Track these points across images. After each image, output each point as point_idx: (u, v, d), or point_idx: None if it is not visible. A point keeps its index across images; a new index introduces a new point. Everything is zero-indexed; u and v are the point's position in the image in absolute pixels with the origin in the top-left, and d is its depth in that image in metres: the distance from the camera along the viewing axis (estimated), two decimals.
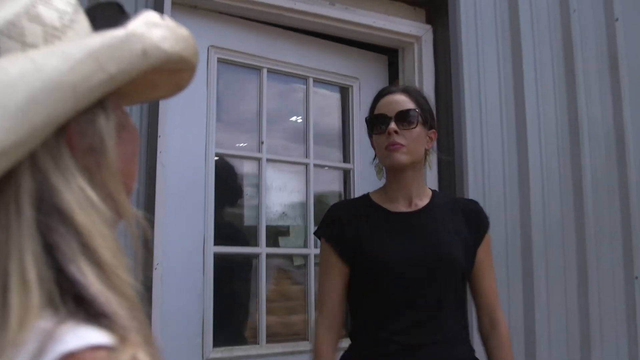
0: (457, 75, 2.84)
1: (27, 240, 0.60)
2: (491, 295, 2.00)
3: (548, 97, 3.11)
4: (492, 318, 1.98)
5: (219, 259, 2.53)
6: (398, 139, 1.89)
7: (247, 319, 2.75)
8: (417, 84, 2.88)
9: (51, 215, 0.62)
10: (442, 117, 2.83)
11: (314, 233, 2.14)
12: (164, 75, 0.78)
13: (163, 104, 2.27)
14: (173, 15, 2.40)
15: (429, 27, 2.95)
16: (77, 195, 0.64)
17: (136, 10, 2.08)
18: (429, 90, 2.87)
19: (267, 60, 2.70)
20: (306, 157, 2.88)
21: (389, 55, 3.09)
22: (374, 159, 2.07)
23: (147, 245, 1.85)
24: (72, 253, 0.61)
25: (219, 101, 2.60)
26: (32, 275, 0.58)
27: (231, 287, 2.70)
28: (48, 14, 0.68)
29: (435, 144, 2.07)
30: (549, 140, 3.07)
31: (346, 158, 3.01)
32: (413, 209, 1.97)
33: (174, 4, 2.44)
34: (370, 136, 2.04)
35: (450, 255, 1.90)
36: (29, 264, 0.59)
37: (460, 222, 1.98)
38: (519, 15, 3.09)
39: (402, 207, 1.97)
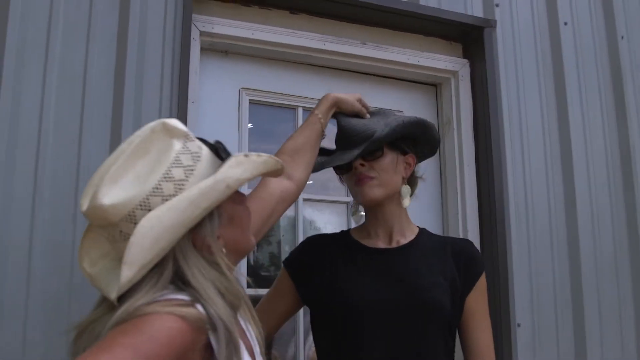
0: (495, 109, 2.76)
1: (159, 286, 1.14)
2: (484, 351, 1.77)
3: (596, 128, 2.99)
4: None
5: (254, 302, 2.50)
6: (367, 172, 1.75)
7: None
8: (454, 121, 2.82)
9: (180, 280, 1.16)
10: (481, 154, 2.76)
11: (282, 262, 1.98)
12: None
13: None
14: (203, 62, 2.46)
15: (465, 61, 2.89)
16: (194, 271, 1.16)
17: (164, 57, 2.15)
18: (467, 127, 2.81)
19: (301, 99, 2.69)
20: (347, 195, 2.83)
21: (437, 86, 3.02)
22: (353, 201, 1.95)
23: None
24: (189, 292, 1.16)
25: (252, 142, 2.61)
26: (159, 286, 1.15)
27: None
28: (177, 173, 1.17)
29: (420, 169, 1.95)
30: (598, 173, 2.94)
31: None
32: (394, 245, 1.79)
33: (203, 50, 2.49)
34: (340, 178, 1.93)
35: (433, 299, 1.68)
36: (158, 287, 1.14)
37: (448, 263, 1.77)
38: (562, 43, 3.00)
39: (381, 244, 1.81)
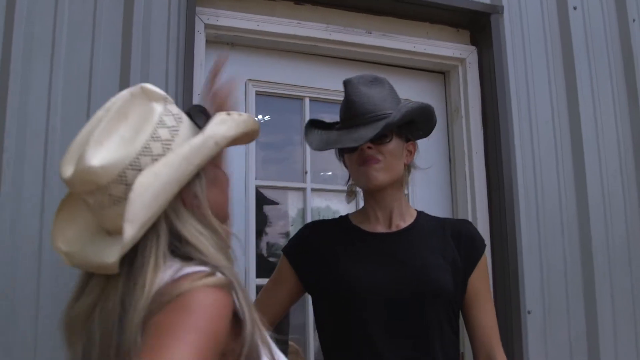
0: (503, 96, 2.74)
1: (162, 247, 1.14)
2: (488, 331, 1.76)
3: (607, 114, 2.95)
4: (490, 358, 1.75)
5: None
6: (375, 155, 1.72)
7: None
8: (463, 108, 2.81)
9: (176, 239, 1.16)
10: (489, 141, 2.75)
11: (282, 250, 1.96)
12: (243, 136, 1.29)
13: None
14: (209, 54, 2.47)
15: (473, 48, 2.87)
16: (189, 228, 1.17)
17: (168, 51, 2.17)
18: (475, 114, 2.79)
19: (308, 90, 2.70)
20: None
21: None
22: (348, 179, 1.92)
23: None
24: (187, 249, 1.15)
25: (260, 133, 2.61)
26: (162, 251, 1.14)
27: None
28: (163, 133, 1.18)
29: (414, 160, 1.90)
30: (609, 159, 2.90)
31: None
32: (394, 229, 1.78)
33: (209, 42, 2.50)
34: (340, 155, 1.88)
35: (436, 280, 1.68)
36: (161, 249, 1.13)
37: (448, 244, 1.77)
38: (571, 28, 2.96)
39: (381, 228, 1.79)
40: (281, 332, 2.84)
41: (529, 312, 2.61)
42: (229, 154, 2.42)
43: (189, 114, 1.27)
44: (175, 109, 1.24)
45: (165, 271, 1.11)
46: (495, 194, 2.71)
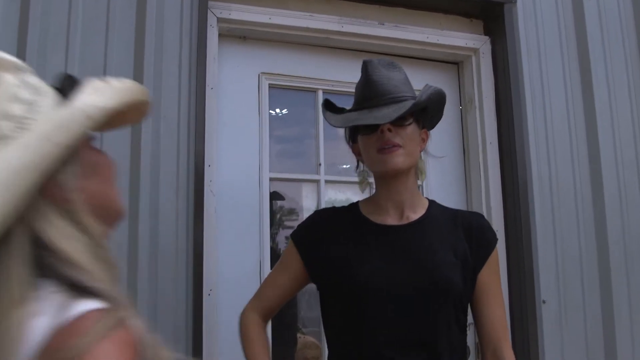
0: (517, 86, 2.73)
1: (22, 264, 0.87)
2: (496, 327, 1.72)
3: (623, 105, 2.93)
4: (497, 354, 1.70)
5: None
6: (393, 138, 1.67)
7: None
8: (476, 99, 2.80)
9: (40, 246, 0.89)
10: (503, 132, 2.75)
11: (290, 235, 1.91)
12: (129, 110, 1.06)
13: (211, 134, 2.33)
14: (222, 48, 2.49)
15: (486, 38, 2.86)
16: (55, 230, 0.91)
17: (181, 45, 2.18)
18: (489, 104, 2.78)
19: (321, 82, 2.71)
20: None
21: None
22: (357, 167, 1.89)
23: (196, 272, 1.87)
24: (58, 263, 0.89)
25: (273, 126, 2.63)
26: (25, 271, 0.87)
27: (290, 311, 2.72)
28: (17, 108, 0.93)
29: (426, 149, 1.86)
30: (625, 149, 2.88)
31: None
32: (404, 222, 1.74)
33: (222, 36, 2.52)
34: (352, 139, 1.83)
35: (446, 278, 1.63)
36: (23, 268, 0.87)
37: (459, 238, 1.72)
38: (585, 18, 2.94)
39: (391, 220, 1.74)
40: (289, 326, 2.86)
41: (544, 302, 2.61)
42: (239, 147, 2.47)
43: (57, 87, 1.01)
44: (34, 80, 0.99)
45: (40, 310, 0.85)
46: (509, 184, 2.71)
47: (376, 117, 1.66)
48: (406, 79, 1.82)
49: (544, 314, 2.61)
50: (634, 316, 2.74)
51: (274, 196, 2.67)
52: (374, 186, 1.86)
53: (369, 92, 1.74)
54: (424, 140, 1.82)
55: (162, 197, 2.21)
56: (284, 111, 2.77)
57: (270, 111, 2.64)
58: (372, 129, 1.70)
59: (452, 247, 1.70)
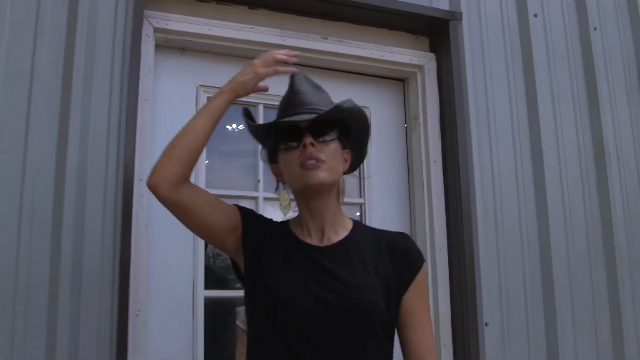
0: (462, 104, 2.70)
1: None
2: (422, 352, 1.64)
3: (568, 122, 2.93)
4: None
5: (210, 303, 2.46)
6: (316, 153, 1.61)
7: None
8: (421, 116, 2.76)
9: None
10: (448, 150, 2.71)
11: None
12: None
13: (144, 147, 2.24)
14: (159, 59, 2.43)
15: (432, 55, 2.83)
16: None
17: (114, 54, 2.10)
18: (433, 122, 2.75)
19: (262, 96, 2.61)
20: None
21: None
22: (276, 188, 1.82)
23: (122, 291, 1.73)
24: None
25: (210, 141, 2.53)
26: None
27: (224, 333, 2.63)
28: None
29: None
30: (570, 168, 2.88)
31: (359, 192, 2.84)
32: (325, 243, 1.67)
33: (159, 47, 2.44)
34: (271, 159, 1.77)
35: (364, 300, 1.55)
36: None
37: (383, 259, 1.65)
38: (531, 36, 2.95)
39: (313, 241, 1.68)
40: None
41: (486, 324, 2.56)
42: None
43: None
44: None
45: None
46: (452, 202, 2.66)
47: (297, 117, 1.63)
48: (331, 101, 1.77)
49: (486, 336, 2.56)
50: (578, 337, 2.71)
51: None
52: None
53: (293, 101, 1.71)
54: (347, 161, 1.77)
55: (88, 212, 2.11)
56: (223, 125, 2.69)
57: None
58: (294, 142, 1.64)
59: (374, 269, 1.63)
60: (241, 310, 2.86)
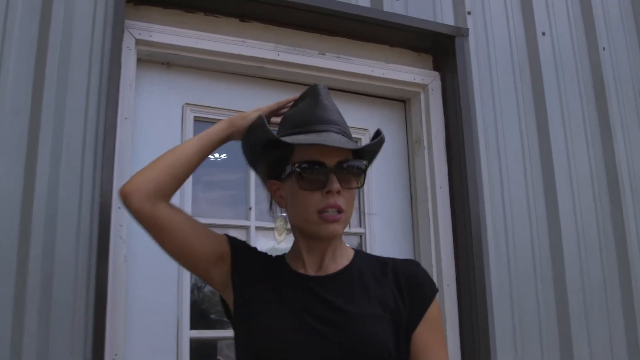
0: (469, 126, 2.51)
1: None
2: None
3: (579, 145, 2.76)
4: None
5: (197, 345, 2.23)
6: (339, 201, 1.42)
7: None
8: (425, 139, 2.57)
9: None
10: (455, 175, 2.52)
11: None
12: None
13: (123, 171, 2.01)
14: (141, 74, 2.25)
15: (436, 74, 2.64)
16: None
17: (91, 67, 1.88)
18: (439, 145, 2.55)
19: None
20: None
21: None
22: (270, 207, 1.64)
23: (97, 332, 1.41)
24: None
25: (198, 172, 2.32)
26: None
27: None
28: None
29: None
30: (583, 194, 2.70)
31: (359, 222, 2.61)
32: (321, 273, 1.50)
33: (142, 61, 2.23)
34: (274, 175, 1.55)
35: (370, 334, 1.38)
36: None
37: (389, 290, 1.47)
38: (540, 54, 2.78)
39: (310, 272, 1.51)
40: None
41: None
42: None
43: None
44: None
45: None
46: (461, 232, 2.46)
47: (334, 141, 1.43)
48: (347, 124, 1.60)
49: None
50: None
51: None
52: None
53: (321, 115, 1.50)
54: None
55: (59, 243, 1.86)
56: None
57: None
58: (319, 185, 1.44)
59: (380, 301, 1.45)
60: (224, 345, 2.65)
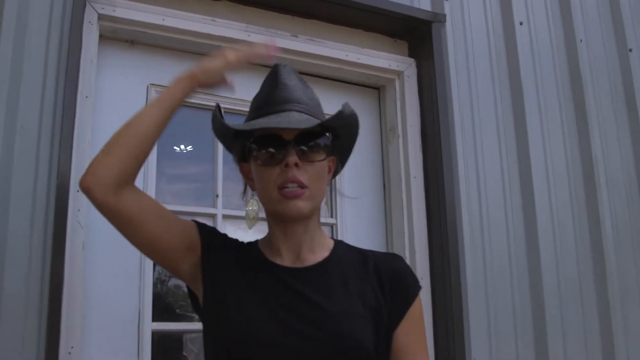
0: (445, 114, 2.44)
1: None
2: None
3: (556, 138, 2.72)
4: None
5: (159, 338, 2.12)
6: (299, 176, 1.35)
7: None
8: (400, 127, 2.49)
9: None
10: (430, 164, 2.45)
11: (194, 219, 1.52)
12: None
13: (82, 153, 1.89)
14: (104, 52, 2.11)
15: (411, 60, 2.57)
16: None
17: (49, 42, 1.75)
18: (414, 134, 2.48)
19: (221, 99, 2.30)
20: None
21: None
22: (243, 192, 1.55)
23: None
24: None
25: (161, 150, 2.21)
26: None
27: None
28: None
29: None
30: (559, 188, 2.66)
31: (330, 212, 2.51)
32: (298, 265, 1.42)
33: (105, 38, 2.11)
34: (244, 158, 1.48)
35: (349, 332, 1.31)
36: None
37: (370, 285, 1.39)
38: (517, 43, 2.73)
39: (286, 262, 1.42)
40: None
41: None
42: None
43: None
44: None
45: None
46: (435, 225, 2.40)
47: (289, 122, 1.35)
48: (319, 101, 1.52)
49: None
50: None
51: None
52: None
53: (280, 96, 1.42)
54: (330, 171, 1.51)
55: (12, 228, 1.75)
56: (177, 131, 2.36)
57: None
58: (275, 154, 1.37)
59: (360, 296, 1.38)
60: (188, 340, 2.56)
